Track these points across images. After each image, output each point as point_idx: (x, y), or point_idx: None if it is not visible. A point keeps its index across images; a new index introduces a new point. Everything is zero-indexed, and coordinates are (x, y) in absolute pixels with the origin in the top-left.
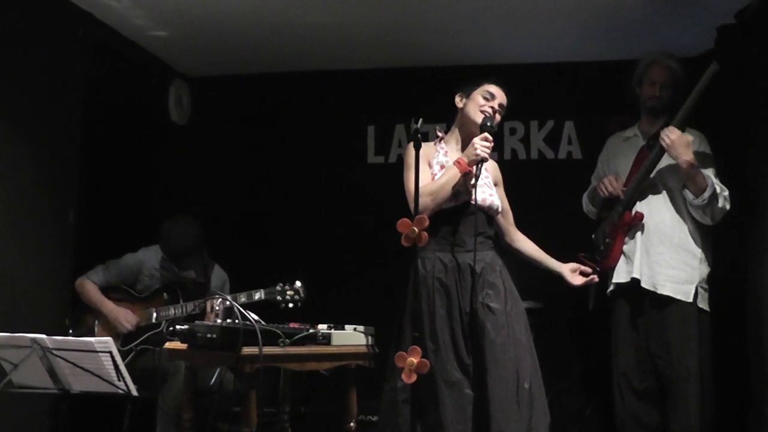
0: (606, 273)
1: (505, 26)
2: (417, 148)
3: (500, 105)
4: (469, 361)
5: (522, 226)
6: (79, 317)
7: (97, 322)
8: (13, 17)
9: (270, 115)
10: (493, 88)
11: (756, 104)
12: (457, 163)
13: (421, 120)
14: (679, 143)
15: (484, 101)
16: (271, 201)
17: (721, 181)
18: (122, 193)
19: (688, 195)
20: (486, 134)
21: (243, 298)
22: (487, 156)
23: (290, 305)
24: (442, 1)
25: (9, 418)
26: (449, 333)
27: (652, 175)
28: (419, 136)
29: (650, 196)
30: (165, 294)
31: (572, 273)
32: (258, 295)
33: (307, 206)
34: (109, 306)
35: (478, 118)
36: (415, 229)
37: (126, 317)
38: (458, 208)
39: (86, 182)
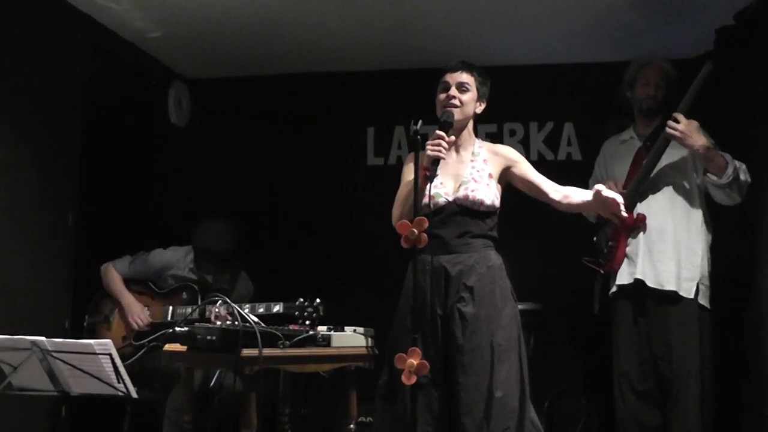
0: (609, 276)
1: (505, 28)
2: (416, 150)
3: (459, 85)
4: (439, 364)
5: (521, 227)
6: (97, 304)
7: (116, 311)
8: (12, 20)
9: (269, 117)
10: (447, 75)
11: (755, 105)
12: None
13: (420, 121)
14: (691, 130)
15: (441, 93)
16: (271, 202)
17: None
18: (122, 196)
19: (712, 177)
20: (437, 132)
21: (261, 309)
22: (439, 155)
23: (307, 322)
24: (442, 3)
25: (9, 421)
26: (420, 335)
27: (651, 175)
28: (418, 137)
29: (650, 196)
30: (184, 293)
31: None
32: (277, 308)
33: (306, 207)
34: (127, 299)
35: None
36: (415, 230)
37: (139, 315)
38: (440, 210)
39: (86, 184)
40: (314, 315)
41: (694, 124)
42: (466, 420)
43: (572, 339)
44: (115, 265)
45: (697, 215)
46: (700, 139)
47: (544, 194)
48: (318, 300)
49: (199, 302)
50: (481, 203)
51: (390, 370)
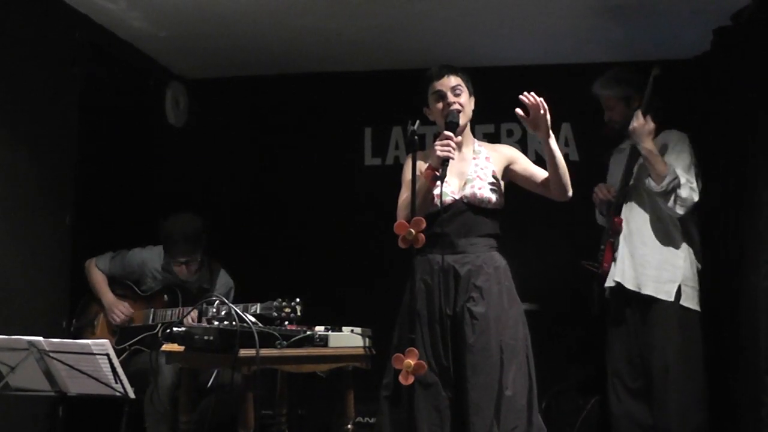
0: (604, 278)
1: (503, 28)
2: (413, 151)
3: (452, 89)
4: (448, 363)
5: (519, 227)
6: (84, 308)
7: (101, 316)
8: (10, 19)
9: (267, 118)
10: (437, 84)
11: (752, 106)
12: (426, 170)
13: (418, 122)
14: (641, 131)
15: (438, 103)
16: (268, 203)
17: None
18: (119, 196)
19: (650, 183)
20: (445, 133)
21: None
22: (449, 155)
23: (285, 323)
24: (439, 4)
25: (6, 421)
26: (429, 334)
27: (631, 180)
28: (416, 138)
29: (633, 199)
30: (166, 296)
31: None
32: (254, 309)
33: (303, 208)
34: (108, 298)
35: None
36: (412, 230)
37: (119, 308)
38: (446, 208)
39: (83, 184)
40: (292, 315)
41: (648, 127)
42: (475, 419)
43: (569, 340)
44: (98, 262)
45: (676, 217)
46: (645, 142)
47: (543, 186)
48: (297, 300)
49: (180, 305)
50: (489, 201)
51: (394, 370)
